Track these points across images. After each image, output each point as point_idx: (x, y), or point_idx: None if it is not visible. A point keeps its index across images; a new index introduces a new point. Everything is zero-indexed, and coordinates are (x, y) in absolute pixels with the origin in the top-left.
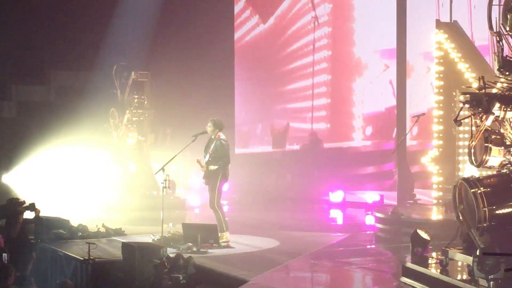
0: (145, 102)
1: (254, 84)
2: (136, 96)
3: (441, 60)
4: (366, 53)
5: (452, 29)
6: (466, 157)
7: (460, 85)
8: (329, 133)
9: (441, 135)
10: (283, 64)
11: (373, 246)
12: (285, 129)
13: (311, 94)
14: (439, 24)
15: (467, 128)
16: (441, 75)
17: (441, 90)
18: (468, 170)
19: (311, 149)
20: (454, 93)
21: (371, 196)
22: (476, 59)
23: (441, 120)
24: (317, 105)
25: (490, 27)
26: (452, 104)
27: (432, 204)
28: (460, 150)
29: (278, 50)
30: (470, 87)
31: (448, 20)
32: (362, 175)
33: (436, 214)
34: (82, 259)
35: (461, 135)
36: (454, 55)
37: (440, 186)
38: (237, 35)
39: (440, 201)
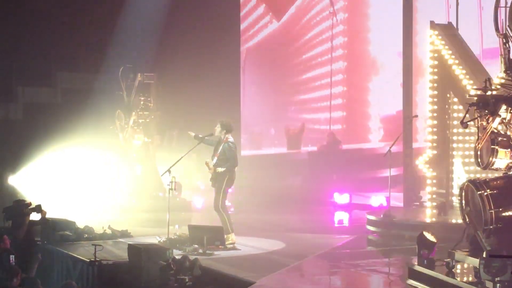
0: (151, 104)
1: (266, 85)
2: (142, 98)
3: (435, 62)
4: (383, 53)
5: (446, 30)
6: (460, 159)
7: (453, 84)
8: (345, 134)
9: (435, 137)
10: (296, 63)
11: (378, 248)
12: (300, 130)
13: (326, 95)
14: (433, 26)
15: (461, 130)
16: (435, 77)
17: (435, 92)
18: (459, 174)
19: (328, 151)
20: (448, 95)
21: (377, 199)
22: (469, 59)
23: (435, 122)
24: (333, 105)
25: (497, 29)
26: (446, 106)
27: (430, 207)
28: (454, 153)
29: (290, 50)
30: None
31: (455, 22)
32: (372, 178)
33: (429, 217)
34: (88, 261)
35: (455, 137)
36: (448, 56)
37: (434, 189)
38: (245, 36)
39: (434, 204)
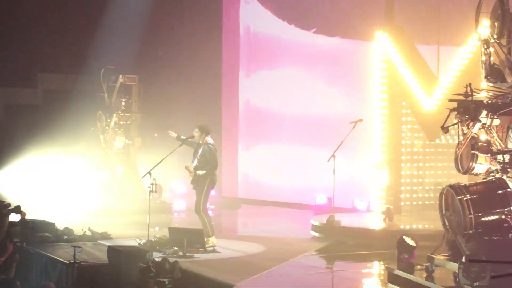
0: (133, 106)
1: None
2: (123, 100)
3: (385, 65)
4: None
5: (396, 32)
6: (409, 164)
7: (402, 88)
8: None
9: (384, 141)
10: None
11: (358, 252)
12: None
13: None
14: (382, 27)
15: (409, 134)
16: (384, 80)
17: (384, 96)
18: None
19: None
20: (397, 99)
21: (359, 202)
22: (418, 63)
23: (384, 126)
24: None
25: (478, 35)
26: (396, 110)
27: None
28: (403, 157)
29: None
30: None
31: None
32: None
33: (375, 223)
34: (67, 262)
35: (403, 141)
36: (397, 59)
37: (382, 194)
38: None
39: (382, 209)
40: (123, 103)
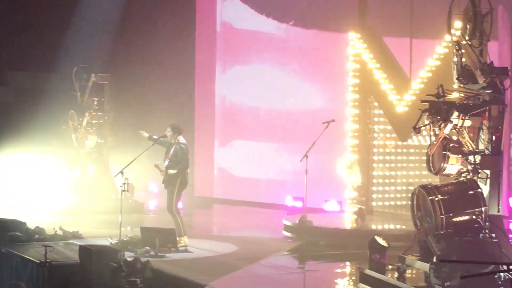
0: (105, 105)
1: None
2: (96, 99)
3: (357, 65)
4: None
5: (368, 33)
6: (381, 165)
7: (374, 89)
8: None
9: (356, 141)
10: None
11: (330, 252)
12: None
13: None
14: (354, 28)
15: (382, 135)
16: (356, 81)
17: (356, 96)
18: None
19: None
20: (369, 99)
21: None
22: (390, 64)
23: (356, 126)
24: None
25: (450, 36)
26: (368, 111)
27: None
28: (375, 158)
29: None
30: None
31: None
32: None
33: (347, 223)
34: (38, 262)
35: (375, 142)
36: (369, 60)
37: (354, 194)
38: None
39: (354, 209)
40: (96, 102)
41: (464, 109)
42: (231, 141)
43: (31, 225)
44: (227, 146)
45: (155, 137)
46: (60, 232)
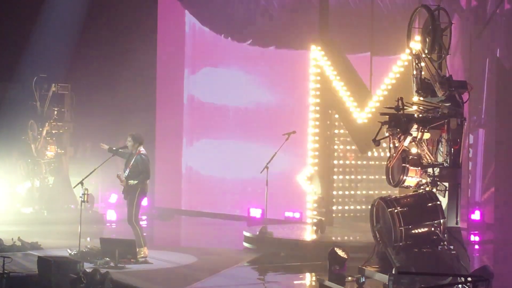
0: (65, 115)
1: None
2: (56, 109)
3: (318, 77)
4: None
5: (329, 45)
6: (341, 176)
7: (335, 102)
8: None
9: (316, 153)
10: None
11: (290, 263)
12: None
13: None
14: (316, 41)
15: (342, 147)
16: (317, 92)
17: (317, 108)
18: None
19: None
20: (330, 111)
21: (291, 213)
22: (351, 77)
23: (316, 138)
24: None
25: (409, 49)
26: (328, 122)
27: (310, 224)
28: (335, 169)
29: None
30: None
31: None
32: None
33: (307, 234)
34: None
35: (335, 153)
36: (330, 72)
37: (315, 205)
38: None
39: (314, 220)
40: (56, 112)
41: (424, 122)
42: (199, 140)
43: None
44: (194, 146)
45: (114, 148)
46: (18, 243)
